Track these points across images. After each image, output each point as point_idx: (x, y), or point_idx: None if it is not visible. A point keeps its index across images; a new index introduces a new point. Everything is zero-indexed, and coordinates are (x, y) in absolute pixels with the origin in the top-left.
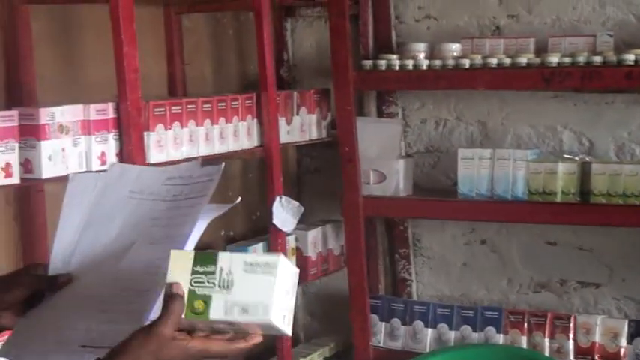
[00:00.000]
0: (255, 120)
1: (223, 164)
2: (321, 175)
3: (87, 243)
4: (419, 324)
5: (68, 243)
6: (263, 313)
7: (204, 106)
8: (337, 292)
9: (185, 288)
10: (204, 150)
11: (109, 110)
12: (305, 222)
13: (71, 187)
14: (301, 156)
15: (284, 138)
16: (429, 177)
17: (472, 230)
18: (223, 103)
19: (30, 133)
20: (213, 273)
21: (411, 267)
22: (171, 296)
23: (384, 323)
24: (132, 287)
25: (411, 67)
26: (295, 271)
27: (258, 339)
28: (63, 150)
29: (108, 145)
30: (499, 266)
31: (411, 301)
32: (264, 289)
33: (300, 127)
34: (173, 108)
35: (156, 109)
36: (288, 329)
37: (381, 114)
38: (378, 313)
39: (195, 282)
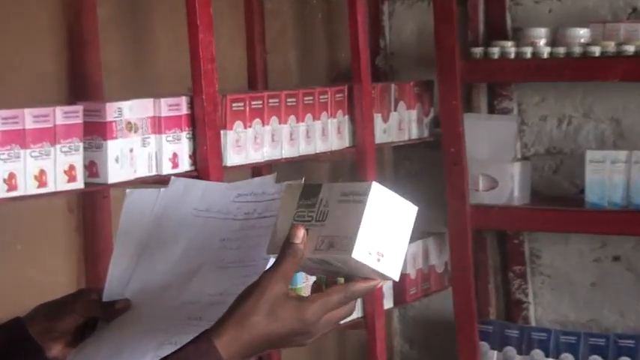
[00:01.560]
0: (346, 117)
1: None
2: (422, 180)
3: (146, 266)
4: (538, 353)
5: (125, 266)
6: (346, 246)
7: (289, 100)
8: (440, 316)
9: (287, 223)
10: (288, 151)
11: (182, 105)
12: None
13: (128, 203)
14: (399, 158)
15: (380, 137)
16: (550, 183)
17: (603, 245)
18: (310, 98)
19: (96, 132)
20: (313, 206)
21: (528, 287)
22: (286, 246)
23: (495, 352)
24: (200, 316)
25: (529, 55)
26: (409, 207)
27: (375, 282)
28: (131, 151)
29: (181, 144)
30: (636, 287)
31: (528, 327)
32: (351, 220)
33: (399, 124)
34: (253, 103)
35: (234, 105)
36: (390, 271)
37: (492, 110)
38: (488, 341)
39: (298, 216)
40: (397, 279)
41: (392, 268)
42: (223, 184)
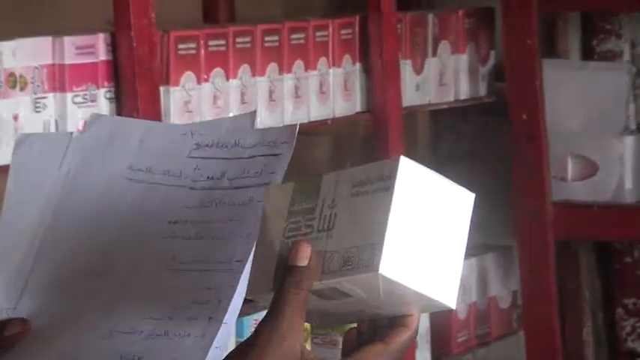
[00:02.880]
0: (357, 65)
1: (298, 126)
2: (476, 164)
3: (50, 267)
4: None
5: (16, 267)
6: (369, 258)
7: (267, 40)
8: None
9: (276, 243)
10: (266, 119)
11: (99, 47)
12: None
13: (19, 160)
14: (440, 130)
15: (410, 98)
16: None
17: None
18: (301, 36)
19: None
20: (312, 210)
21: None
22: (286, 275)
23: None
24: (139, 356)
25: None
26: (461, 194)
27: (414, 319)
28: (15, 118)
29: (96, 108)
30: None
31: None
32: (373, 219)
33: (439, 77)
34: (212, 44)
35: (182, 46)
36: (441, 294)
37: (590, 54)
38: None
39: (291, 230)
40: (453, 306)
41: (443, 289)
42: (175, 124)
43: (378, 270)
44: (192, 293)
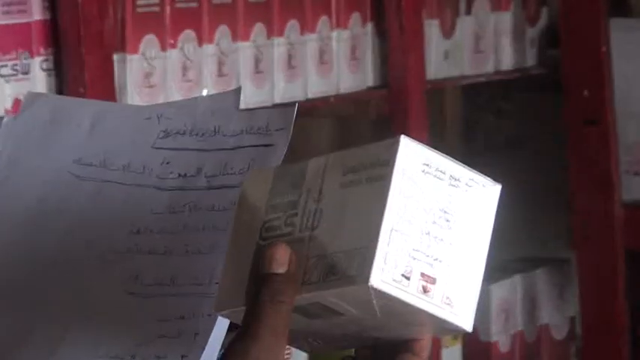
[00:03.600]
0: (368, 26)
1: (296, 107)
2: (521, 153)
3: None
4: None
5: None
6: (358, 266)
7: None
8: None
9: (251, 243)
10: (250, 96)
11: (32, 3)
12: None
13: None
14: (475, 110)
15: (437, 69)
16: None
17: None
18: None
19: None
20: (295, 205)
21: None
22: (259, 285)
23: None
24: None
25: None
26: (481, 184)
27: (424, 344)
28: None
29: (30, 82)
30: None
31: None
32: (366, 216)
33: (475, 42)
34: (179, 1)
35: (141, 2)
36: (451, 314)
37: None
38: None
39: (268, 227)
40: (469, 328)
41: (455, 306)
42: (135, 106)
43: (367, 281)
44: (161, 324)
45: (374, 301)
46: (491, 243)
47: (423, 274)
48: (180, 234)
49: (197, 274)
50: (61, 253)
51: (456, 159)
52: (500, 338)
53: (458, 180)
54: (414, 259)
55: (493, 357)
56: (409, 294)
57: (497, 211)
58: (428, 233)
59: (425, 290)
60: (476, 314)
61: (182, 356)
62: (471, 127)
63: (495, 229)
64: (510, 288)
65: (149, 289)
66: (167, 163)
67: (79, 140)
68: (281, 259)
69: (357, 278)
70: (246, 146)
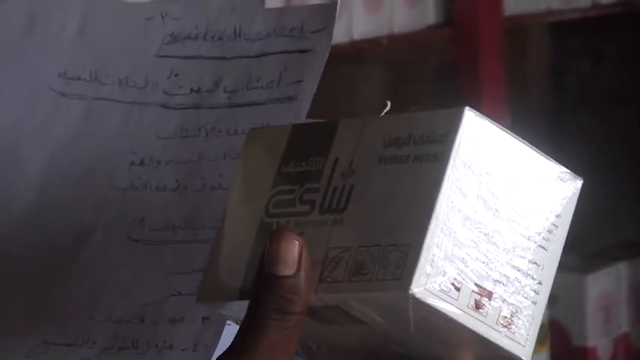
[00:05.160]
0: None
1: (338, 2)
2: (625, 108)
3: None
4: None
5: None
6: (397, 269)
7: None
8: None
9: (254, 223)
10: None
11: None
12: (575, 249)
13: None
14: (566, 54)
15: (516, 1)
16: None
17: None
18: None
19: None
20: (316, 176)
21: None
22: (259, 288)
23: None
24: None
25: None
26: (560, 176)
27: None
28: None
29: None
30: None
31: None
32: (411, 204)
33: None
34: None
35: None
36: (510, 339)
37: None
38: None
39: (276, 205)
40: (527, 357)
41: (513, 329)
42: (133, 2)
43: (407, 289)
44: (174, 279)
45: (410, 313)
46: (586, 224)
47: (477, 285)
48: (195, 164)
49: (217, 214)
50: (43, 192)
51: (542, 115)
52: (599, 343)
53: (530, 170)
54: (468, 265)
55: None
56: (457, 308)
57: (593, 188)
58: (489, 232)
59: (477, 306)
60: (568, 312)
61: (203, 318)
62: (560, 76)
63: (590, 210)
64: (612, 279)
65: (157, 234)
66: (175, 75)
67: (64, 47)
68: (289, 259)
69: (394, 283)
70: (276, 52)
